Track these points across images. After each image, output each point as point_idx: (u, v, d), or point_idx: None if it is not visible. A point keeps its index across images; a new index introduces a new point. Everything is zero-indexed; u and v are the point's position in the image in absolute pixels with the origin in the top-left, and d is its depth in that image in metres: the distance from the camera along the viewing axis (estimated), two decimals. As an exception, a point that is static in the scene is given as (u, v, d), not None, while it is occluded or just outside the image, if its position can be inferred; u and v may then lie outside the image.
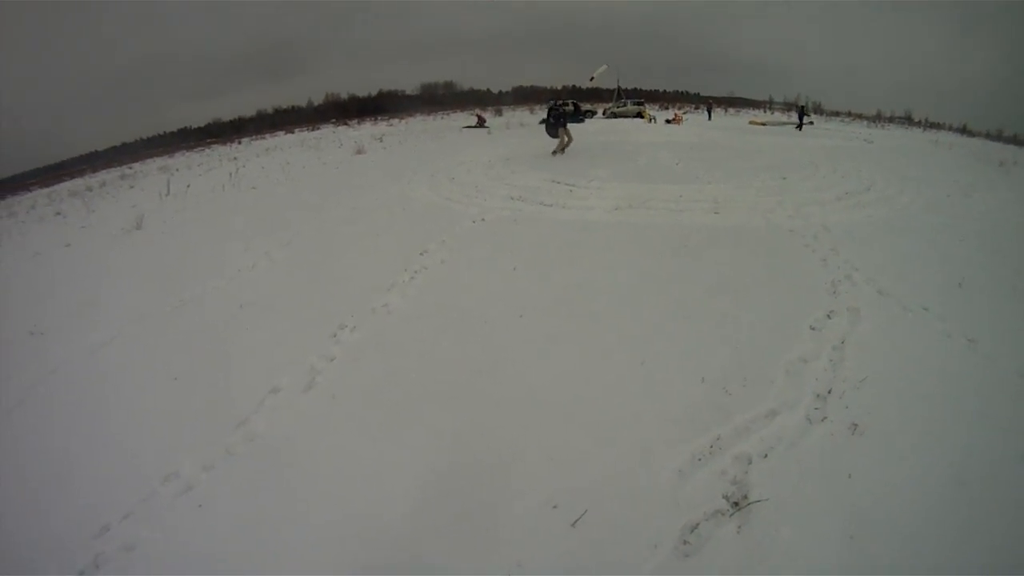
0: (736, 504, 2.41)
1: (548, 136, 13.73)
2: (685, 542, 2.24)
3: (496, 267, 5.43)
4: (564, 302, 4.55)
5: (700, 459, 2.69)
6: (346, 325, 4.30)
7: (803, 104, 29.85)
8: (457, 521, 2.43)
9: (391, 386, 3.48)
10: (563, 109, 13.17)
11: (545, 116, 28.55)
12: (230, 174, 13.41)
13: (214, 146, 32.92)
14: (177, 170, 17.54)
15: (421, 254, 5.85)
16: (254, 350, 4.04)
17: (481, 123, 27.36)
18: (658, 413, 3.05)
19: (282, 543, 2.39)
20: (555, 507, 2.42)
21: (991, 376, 3.53)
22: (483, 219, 7.27)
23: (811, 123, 27.59)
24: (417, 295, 4.87)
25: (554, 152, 13.01)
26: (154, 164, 23.19)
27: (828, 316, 4.27)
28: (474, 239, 6.42)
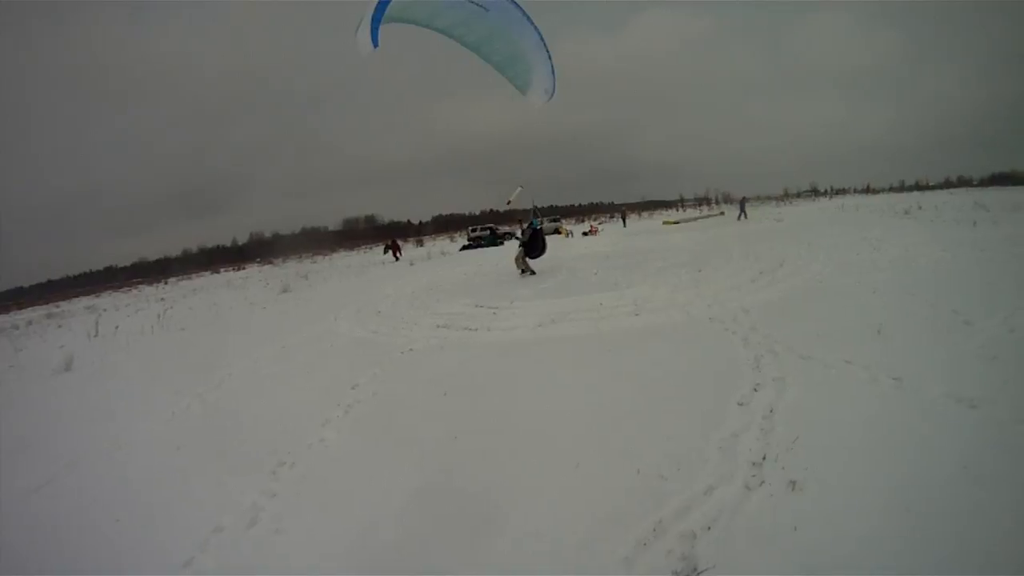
0: (687, 577, 2.76)
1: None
2: (645, 621, 2.55)
3: (427, 394, 5.90)
4: (495, 421, 4.99)
5: (645, 544, 3.04)
6: (284, 462, 4.61)
7: (744, 197, 34.81)
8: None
9: (333, 518, 3.74)
10: (536, 230, 14.31)
11: (467, 243, 30.59)
12: (158, 315, 14.23)
13: (140, 286, 34.49)
14: (105, 310, 18.43)
15: (352, 388, 6.33)
16: (194, 491, 4.28)
17: (394, 251, 28.58)
18: (598, 510, 3.41)
19: None
20: None
21: (920, 404, 4.21)
22: (411, 349, 7.92)
23: (743, 214, 31.83)
24: (352, 428, 5.25)
25: (524, 272, 14.28)
26: (80, 303, 23.67)
27: (754, 390, 4.90)
28: (403, 369, 6.97)
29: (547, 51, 9.48)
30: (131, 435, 5.64)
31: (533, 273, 14.05)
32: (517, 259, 14.36)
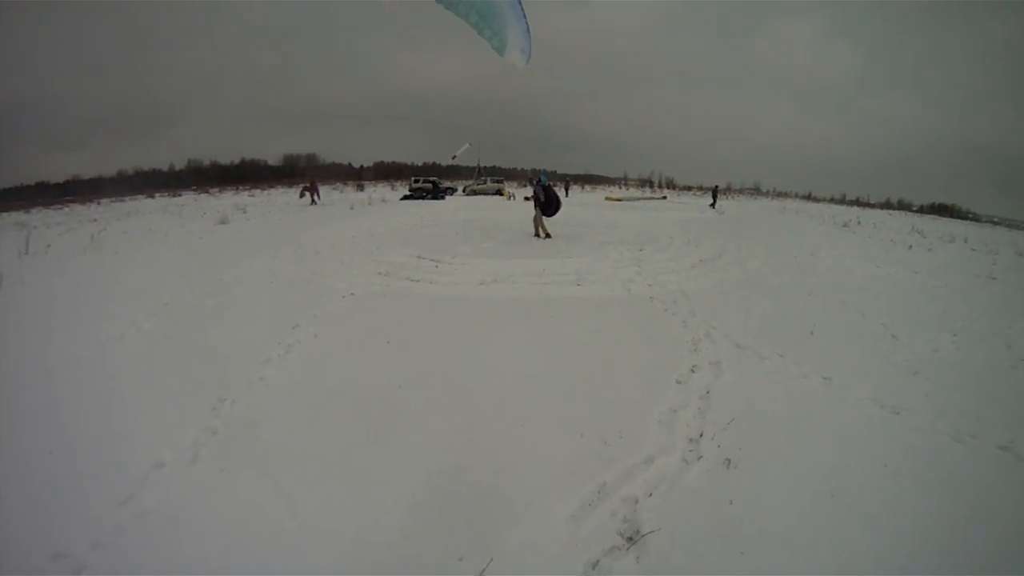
0: (631, 539, 2.93)
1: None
2: (589, 577, 2.73)
3: (370, 341, 5.94)
4: (439, 374, 5.06)
5: (590, 504, 3.21)
6: (225, 398, 4.58)
7: (716, 185, 34.99)
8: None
9: (276, 460, 3.74)
10: (547, 187, 13.59)
11: (408, 193, 30.34)
12: (92, 236, 13.88)
13: (72, 205, 34.09)
14: (35, 227, 17.70)
15: (293, 328, 6.33)
16: (132, 424, 4.16)
17: (312, 193, 28.02)
18: (543, 469, 3.56)
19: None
20: (461, 559, 2.81)
21: (846, 404, 4.60)
22: (352, 293, 7.96)
23: (715, 203, 32.04)
24: (293, 369, 5.22)
25: (539, 236, 13.73)
26: (10, 219, 22.16)
27: (692, 370, 5.19)
28: (345, 313, 7.00)
29: (522, 9, 9.47)
30: (64, 361, 5.42)
31: (549, 236, 13.76)
32: (535, 220, 13.97)
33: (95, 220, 20.32)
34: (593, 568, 2.78)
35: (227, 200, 33.57)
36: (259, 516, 3.18)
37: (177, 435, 4.00)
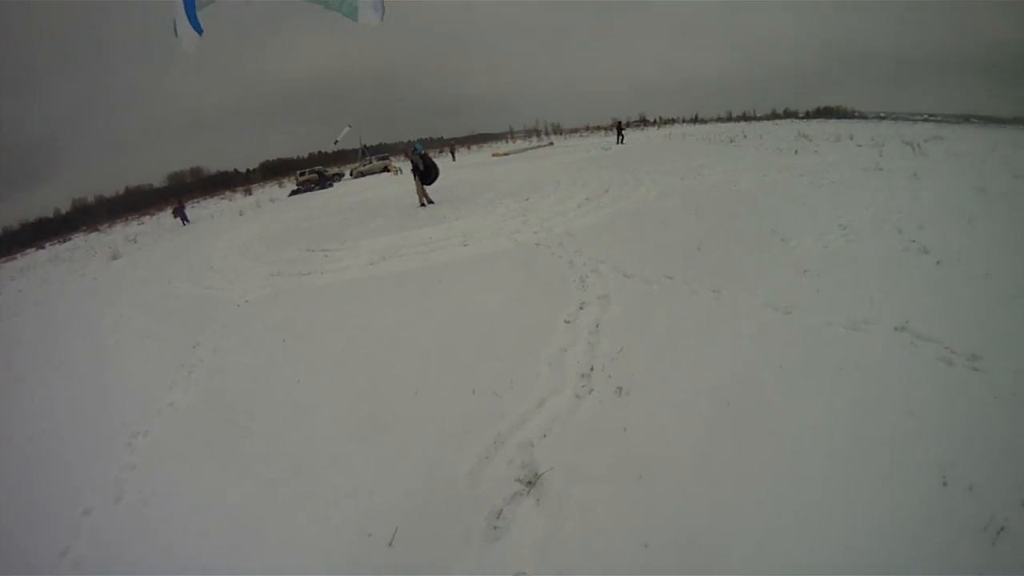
0: (530, 483, 3.04)
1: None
2: (494, 527, 2.81)
3: (265, 343, 6.06)
4: (333, 362, 5.19)
5: (487, 457, 3.32)
6: (138, 432, 4.68)
7: (619, 121, 34.29)
8: None
9: (194, 482, 3.80)
10: (425, 155, 14.06)
11: (296, 187, 32.30)
12: None
13: None
14: None
15: (194, 347, 6.38)
16: (56, 480, 4.23)
17: (179, 212, 27.61)
18: (439, 431, 3.68)
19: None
20: (369, 535, 2.90)
21: (737, 314, 4.81)
22: (246, 301, 8.03)
23: (621, 139, 31.88)
24: (197, 388, 5.30)
25: (422, 203, 14.20)
26: None
27: (580, 308, 5.38)
28: (241, 322, 7.09)
29: None
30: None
31: (432, 202, 14.19)
32: (418, 191, 14.34)
33: (-12, 287, 19.87)
34: (497, 518, 2.87)
35: (118, 233, 33.24)
36: (179, 532, 3.33)
37: (99, 480, 4.10)
